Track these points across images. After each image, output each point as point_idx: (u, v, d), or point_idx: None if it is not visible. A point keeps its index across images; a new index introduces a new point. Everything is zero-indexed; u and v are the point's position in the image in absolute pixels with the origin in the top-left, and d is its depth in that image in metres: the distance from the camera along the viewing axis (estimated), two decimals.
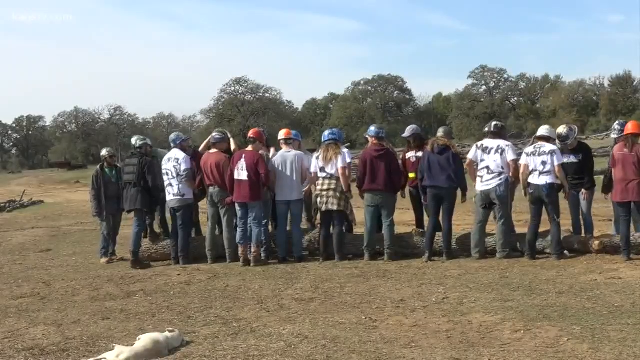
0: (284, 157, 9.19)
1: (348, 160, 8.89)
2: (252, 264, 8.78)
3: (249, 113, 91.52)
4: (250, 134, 9.34)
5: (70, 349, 5.31)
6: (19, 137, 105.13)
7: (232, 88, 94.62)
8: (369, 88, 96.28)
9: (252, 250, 8.87)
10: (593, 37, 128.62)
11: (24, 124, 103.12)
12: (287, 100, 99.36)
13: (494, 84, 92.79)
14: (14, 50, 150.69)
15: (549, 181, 8.13)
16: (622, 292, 6.32)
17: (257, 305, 6.60)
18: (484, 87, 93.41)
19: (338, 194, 8.82)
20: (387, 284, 7.36)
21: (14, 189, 33.33)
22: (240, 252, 8.96)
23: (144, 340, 5.05)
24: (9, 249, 12.30)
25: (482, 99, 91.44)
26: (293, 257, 9.12)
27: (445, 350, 4.85)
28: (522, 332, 5.20)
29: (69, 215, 17.97)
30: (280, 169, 9.09)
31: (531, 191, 8.29)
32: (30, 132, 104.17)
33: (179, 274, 8.53)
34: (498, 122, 8.98)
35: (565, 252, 8.27)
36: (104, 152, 10.61)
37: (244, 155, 8.92)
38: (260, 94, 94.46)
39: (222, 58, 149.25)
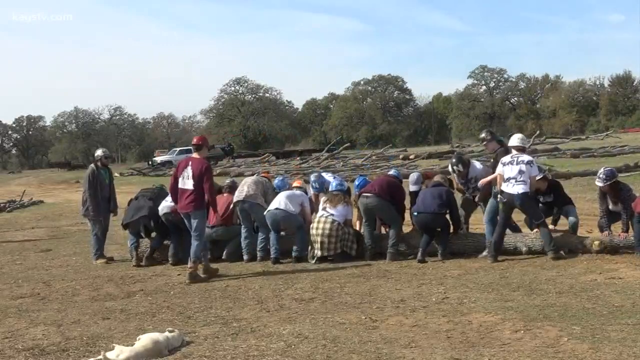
0: (289, 190, 9.36)
1: (350, 217, 9.16)
2: (187, 281, 7.92)
3: (249, 113, 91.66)
4: (195, 140, 8.46)
5: (70, 349, 5.31)
6: (19, 137, 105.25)
7: (232, 88, 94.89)
8: (369, 88, 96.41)
9: (189, 265, 8.05)
10: (593, 37, 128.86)
11: (24, 124, 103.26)
12: (287, 100, 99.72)
13: (494, 84, 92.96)
14: (14, 50, 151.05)
15: (521, 191, 8.16)
16: (622, 292, 6.31)
17: (257, 305, 6.60)
18: (484, 87, 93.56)
19: (338, 238, 8.84)
20: (387, 284, 7.36)
21: (14, 189, 33.26)
22: (188, 268, 8.07)
23: (144, 340, 5.05)
24: (9, 249, 12.29)
25: (482, 99, 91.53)
26: (285, 258, 9.03)
27: (445, 350, 4.86)
28: (522, 332, 5.20)
29: (69, 215, 17.93)
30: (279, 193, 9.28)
31: (504, 200, 8.27)
32: (30, 132, 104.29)
33: (179, 274, 8.52)
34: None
35: (561, 251, 8.23)
36: (99, 152, 10.47)
37: (190, 163, 8.19)
38: (260, 94, 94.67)
39: (222, 58, 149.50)
